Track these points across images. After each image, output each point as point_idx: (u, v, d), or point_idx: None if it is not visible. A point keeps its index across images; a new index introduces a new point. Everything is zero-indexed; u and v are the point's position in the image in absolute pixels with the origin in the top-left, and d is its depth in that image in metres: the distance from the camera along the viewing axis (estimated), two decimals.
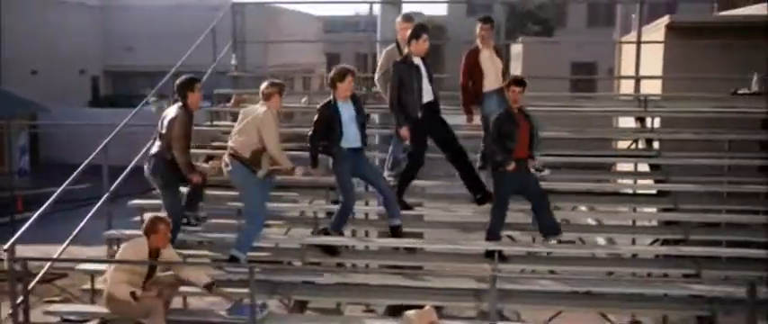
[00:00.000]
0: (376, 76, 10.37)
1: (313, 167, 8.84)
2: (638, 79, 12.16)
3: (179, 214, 8.75)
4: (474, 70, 9.48)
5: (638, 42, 12.23)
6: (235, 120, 11.95)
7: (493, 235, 8.81)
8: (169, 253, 8.15)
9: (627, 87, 14.29)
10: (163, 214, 8.31)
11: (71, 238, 8.97)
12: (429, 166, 9.54)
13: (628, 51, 16.86)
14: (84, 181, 9.52)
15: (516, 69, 25.98)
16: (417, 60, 9.02)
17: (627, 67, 16.38)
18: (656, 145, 10.99)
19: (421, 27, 9.14)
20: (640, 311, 9.44)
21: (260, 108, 8.54)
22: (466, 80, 9.55)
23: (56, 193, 8.97)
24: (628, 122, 12.94)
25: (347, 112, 8.61)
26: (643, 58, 12.06)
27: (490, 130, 8.78)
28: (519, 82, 8.70)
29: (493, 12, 35.79)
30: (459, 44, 29.80)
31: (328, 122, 8.57)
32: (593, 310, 9.22)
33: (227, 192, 9.72)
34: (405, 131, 8.95)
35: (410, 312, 8.10)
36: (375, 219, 10.21)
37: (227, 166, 8.64)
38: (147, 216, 8.16)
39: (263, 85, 8.59)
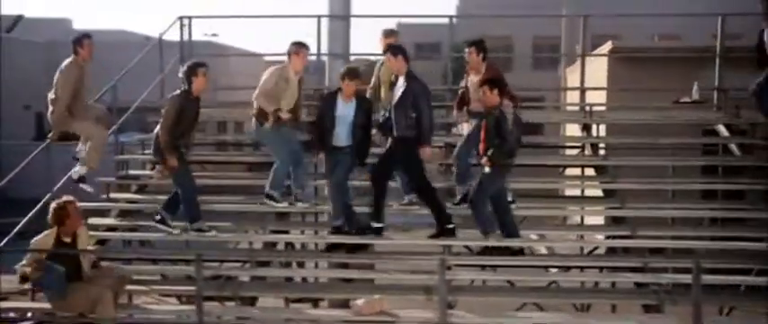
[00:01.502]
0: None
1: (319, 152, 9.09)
2: (583, 90, 12.48)
3: (191, 188, 8.88)
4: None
5: (583, 56, 12.54)
6: None
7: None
8: (84, 235, 8.03)
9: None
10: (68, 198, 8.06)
11: None
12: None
13: (574, 76, 17.26)
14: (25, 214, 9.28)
15: None
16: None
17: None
18: (601, 151, 11.21)
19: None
20: (592, 302, 9.46)
21: None
22: None
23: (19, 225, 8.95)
24: (575, 131, 13.20)
25: (345, 110, 8.76)
26: (589, 81, 12.37)
27: (510, 129, 8.53)
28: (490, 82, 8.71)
29: (441, 55, 36.73)
30: None
31: (322, 112, 8.90)
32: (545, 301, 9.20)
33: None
34: None
35: (359, 301, 8.06)
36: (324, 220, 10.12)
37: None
38: (52, 206, 7.92)
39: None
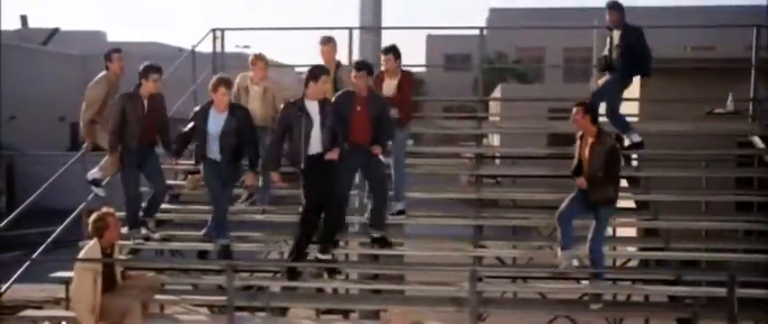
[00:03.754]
0: None
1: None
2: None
3: (126, 194, 9.08)
4: None
5: None
6: None
7: None
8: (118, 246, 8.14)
9: None
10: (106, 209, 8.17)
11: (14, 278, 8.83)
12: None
13: None
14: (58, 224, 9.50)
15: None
16: (311, 104, 8.44)
17: None
18: (634, 162, 11.09)
19: (319, 68, 8.66)
20: (625, 315, 9.35)
21: None
22: None
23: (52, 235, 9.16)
24: None
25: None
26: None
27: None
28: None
29: (471, 67, 36.63)
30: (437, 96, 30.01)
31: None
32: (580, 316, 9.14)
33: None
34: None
35: (389, 312, 8.06)
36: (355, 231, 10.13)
37: None
38: (90, 220, 8.01)
39: None
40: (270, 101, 9.61)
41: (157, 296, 8.53)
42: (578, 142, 8.53)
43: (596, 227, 8.26)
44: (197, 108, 9.03)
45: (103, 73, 9.74)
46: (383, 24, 13.26)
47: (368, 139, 8.67)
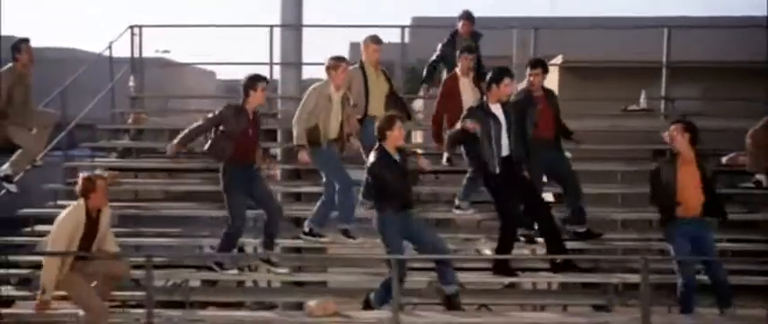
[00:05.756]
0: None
1: None
2: None
3: (238, 223, 8.39)
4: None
5: None
6: (138, 133, 12.08)
7: None
8: (107, 215, 7.86)
9: None
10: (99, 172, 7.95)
11: None
12: None
13: None
14: None
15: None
16: (495, 108, 8.33)
17: None
18: None
19: (504, 70, 8.45)
20: (544, 303, 9.51)
21: None
22: None
23: None
24: None
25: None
26: None
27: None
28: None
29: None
30: None
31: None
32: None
33: None
34: None
35: (311, 303, 8.02)
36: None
37: None
38: (82, 175, 7.77)
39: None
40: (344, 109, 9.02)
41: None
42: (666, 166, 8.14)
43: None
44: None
45: (10, 65, 9.30)
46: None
47: None
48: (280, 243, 9.05)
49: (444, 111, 9.60)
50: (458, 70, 9.81)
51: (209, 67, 39.05)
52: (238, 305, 9.49)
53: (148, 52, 14.71)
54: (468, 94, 9.50)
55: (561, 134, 9.16)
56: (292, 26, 12.76)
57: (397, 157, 7.78)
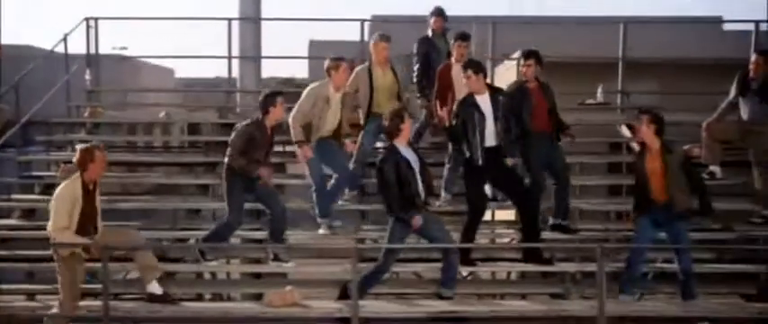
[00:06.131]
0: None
1: None
2: None
3: (235, 222, 8.36)
4: None
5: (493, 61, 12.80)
6: (94, 127, 11.96)
7: None
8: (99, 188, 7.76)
9: None
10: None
11: None
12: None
13: None
14: None
15: None
16: (481, 99, 8.33)
17: None
18: None
19: (469, 62, 8.59)
20: (503, 292, 9.57)
21: None
22: None
23: None
24: None
25: None
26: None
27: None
28: None
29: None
30: None
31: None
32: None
33: None
34: None
35: (271, 292, 8.00)
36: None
37: None
38: (79, 147, 7.65)
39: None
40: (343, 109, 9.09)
41: None
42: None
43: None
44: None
45: None
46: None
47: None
48: (241, 235, 9.03)
49: (441, 97, 9.52)
50: (453, 59, 9.76)
51: (168, 65, 38.81)
52: (198, 298, 9.41)
53: (105, 49, 14.57)
54: (462, 83, 9.46)
55: (558, 127, 9.15)
56: (251, 19, 12.72)
57: (409, 153, 7.81)
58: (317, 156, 8.86)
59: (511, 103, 8.61)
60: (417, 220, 7.63)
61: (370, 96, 9.31)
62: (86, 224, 7.53)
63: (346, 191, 9.50)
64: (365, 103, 9.39)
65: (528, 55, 9.03)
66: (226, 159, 8.33)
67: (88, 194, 7.53)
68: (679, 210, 7.93)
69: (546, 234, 8.91)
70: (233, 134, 8.32)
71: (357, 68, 9.54)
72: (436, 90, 9.66)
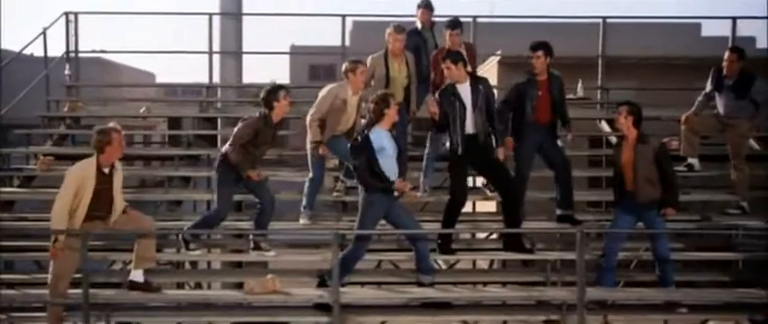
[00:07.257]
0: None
1: None
2: None
3: (223, 212, 8.34)
4: None
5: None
6: (75, 122, 11.88)
7: None
8: (119, 170, 7.63)
9: None
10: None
11: None
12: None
13: None
14: None
15: None
16: (462, 88, 8.32)
17: None
18: None
19: (448, 53, 8.57)
20: (485, 280, 9.54)
21: None
22: None
23: None
24: None
25: None
26: None
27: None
28: None
29: (335, 78, 36.72)
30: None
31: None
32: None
33: None
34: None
35: (251, 281, 7.97)
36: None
37: None
38: (94, 129, 7.51)
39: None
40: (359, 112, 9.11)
41: None
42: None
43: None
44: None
45: None
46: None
47: None
48: (224, 225, 9.00)
49: (437, 85, 9.46)
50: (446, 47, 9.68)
51: (149, 69, 38.72)
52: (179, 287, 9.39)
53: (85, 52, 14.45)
54: None
55: (560, 120, 9.18)
56: (232, 15, 12.71)
57: (390, 138, 7.80)
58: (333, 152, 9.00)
59: (515, 95, 8.77)
60: (401, 184, 7.65)
61: (386, 86, 9.22)
62: (98, 205, 7.40)
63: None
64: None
65: (536, 46, 8.96)
66: (223, 149, 8.30)
67: (103, 176, 7.41)
68: (642, 200, 8.03)
69: (526, 223, 8.93)
70: (240, 124, 8.26)
71: (374, 55, 9.50)
72: (432, 80, 9.64)
